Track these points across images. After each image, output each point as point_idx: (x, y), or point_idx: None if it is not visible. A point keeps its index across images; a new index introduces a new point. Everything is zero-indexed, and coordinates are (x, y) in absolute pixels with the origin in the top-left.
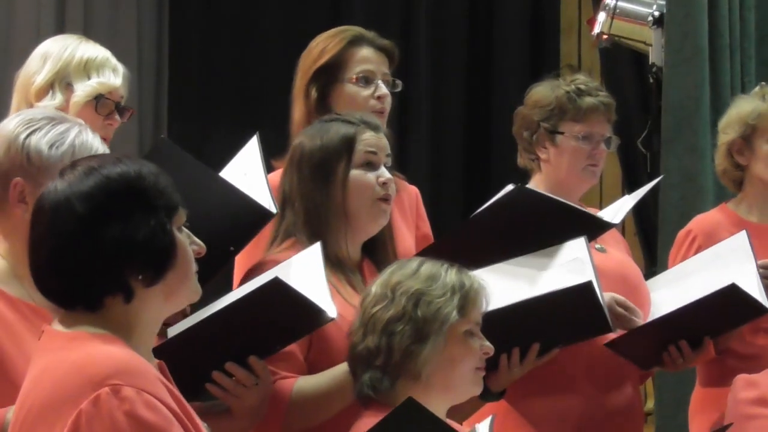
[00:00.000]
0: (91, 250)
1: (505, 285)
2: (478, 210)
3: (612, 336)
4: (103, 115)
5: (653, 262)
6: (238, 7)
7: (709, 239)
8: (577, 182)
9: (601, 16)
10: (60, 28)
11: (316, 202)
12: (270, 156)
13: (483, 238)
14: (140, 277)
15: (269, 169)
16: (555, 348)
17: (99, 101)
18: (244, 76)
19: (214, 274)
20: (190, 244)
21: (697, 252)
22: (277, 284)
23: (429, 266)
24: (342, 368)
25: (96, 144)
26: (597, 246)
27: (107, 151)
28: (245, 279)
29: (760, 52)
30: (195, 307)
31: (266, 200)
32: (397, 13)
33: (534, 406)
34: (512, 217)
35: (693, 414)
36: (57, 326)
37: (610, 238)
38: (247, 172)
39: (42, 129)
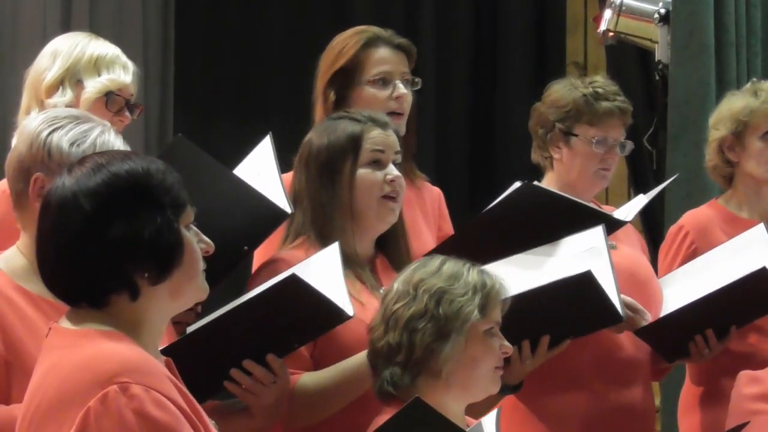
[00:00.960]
0: (96, 248)
1: (516, 276)
2: (488, 207)
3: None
4: (113, 111)
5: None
6: (244, 4)
7: (702, 235)
8: (587, 185)
9: (607, 14)
10: (65, 25)
11: (322, 202)
12: (278, 154)
13: (494, 235)
14: (146, 275)
15: (288, 166)
16: (566, 339)
17: (109, 98)
18: (249, 73)
19: (227, 273)
20: (198, 242)
21: (689, 247)
22: (293, 281)
23: (451, 265)
24: (344, 365)
25: (118, 144)
26: (608, 243)
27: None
28: (255, 276)
29: (766, 49)
30: (211, 306)
31: (281, 200)
32: (402, 11)
33: (541, 401)
34: (522, 214)
35: (683, 412)
36: (64, 323)
37: (623, 234)
38: (261, 172)
39: (65, 127)
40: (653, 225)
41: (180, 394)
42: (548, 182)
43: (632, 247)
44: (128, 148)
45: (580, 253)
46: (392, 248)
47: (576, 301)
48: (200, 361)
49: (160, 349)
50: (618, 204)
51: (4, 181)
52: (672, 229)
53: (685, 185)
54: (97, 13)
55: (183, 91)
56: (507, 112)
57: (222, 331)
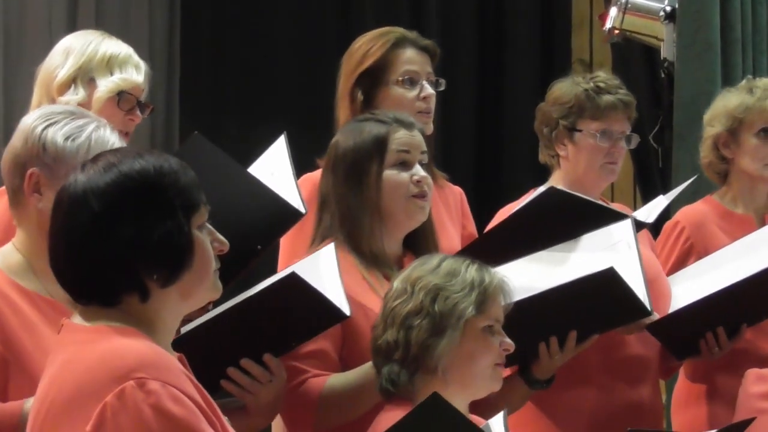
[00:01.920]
0: (103, 248)
1: (542, 272)
2: (513, 211)
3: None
4: (124, 110)
5: None
6: (250, 3)
7: (697, 230)
8: (595, 179)
9: (613, 12)
10: (72, 23)
11: (350, 204)
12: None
13: (519, 239)
14: (155, 278)
15: (309, 166)
16: (594, 334)
17: (121, 97)
18: (255, 70)
19: (240, 272)
20: (212, 241)
21: (685, 243)
22: (293, 279)
23: (450, 262)
24: (372, 365)
25: (113, 140)
26: (636, 237)
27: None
28: None
29: None
30: (215, 304)
31: (295, 200)
32: (408, 10)
33: (550, 399)
34: (548, 218)
35: (677, 407)
36: (77, 320)
37: None
38: (275, 172)
39: (60, 122)
40: (660, 223)
41: (196, 389)
42: (556, 181)
43: (641, 244)
44: (124, 145)
45: (609, 247)
46: (421, 247)
47: (602, 297)
48: (197, 360)
49: None
50: (624, 202)
51: None
52: (667, 225)
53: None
54: (103, 10)
55: (189, 90)
56: (513, 111)
57: (220, 329)
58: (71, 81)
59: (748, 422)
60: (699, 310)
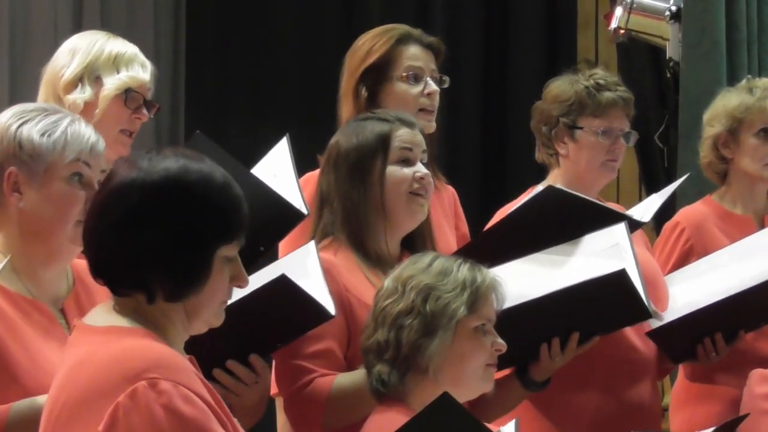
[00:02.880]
0: (125, 242)
1: (542, 274)
2: (511, 210)
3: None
4: (131, 108)
5: None
6: (255, 3)
7: (697, 231)
8: (595, 177)
9: (618, 11)
10: (77, 23)
11: (354, 201)
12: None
13: (517, 238)
14: (161, 288)
15: (300, 165)
16: (595, 336)
17: (128, 95)
18: (260, 70)
19: None
20: (233, 279)
21: (685, 244)
22: (283, 282)
23: (442, 261)
24: None
25: (89, 133)
26: (631, 240)
27: (101, 140)
28: None
29: None
30: None
31: (297, 201)
32: (413, 9)
33: (550, 400)
34: (544, 217)
35: (675, 407)
36: (89, 320)
37: None
38: (277, 173)
39: (34, 119)
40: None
41: (207, 390)
42: (555, 179)
43: (636, 244)
44: (101, 138)
45: (605, 250)
46: (418, 248)
47: (608, 299)
48: None
49: None
50: (629, 202)
51: None
52: (667, 226)
53: (696, 183)
54: (108, 10)
55: (194, 90)
56: (518, 110)
57: (206, 331)
58: (78, 80)
59: (741, 419)
60: (698, 318)
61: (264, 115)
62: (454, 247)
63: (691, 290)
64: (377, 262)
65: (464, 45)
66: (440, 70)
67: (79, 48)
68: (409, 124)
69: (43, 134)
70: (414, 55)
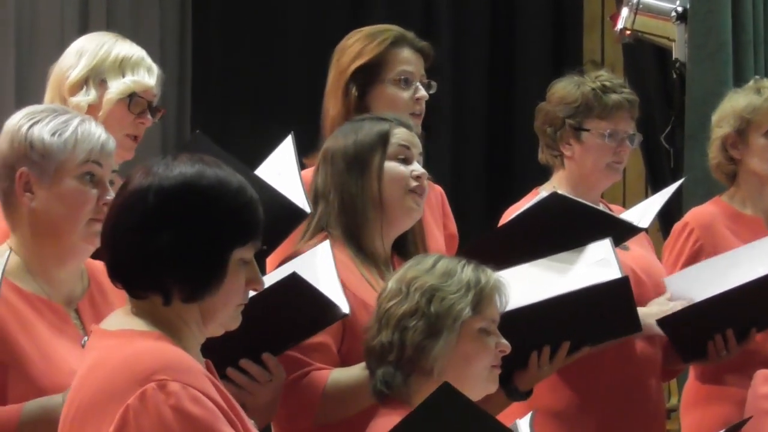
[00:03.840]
0: (141, 243)
1: (534, 283)
2: (514, 215)
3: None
4: (135, 113)
5: None
6: (261, 2)
7: (706, 231)
8: (600, 179)
9: (625, 12)
10: (83, 24)
11: (351, 193)
12: (298, 151)
13: (517, 242)
14: (177, 289)
15: (301, 167)
16: (584, 347)
17: (132, 99)
18: (266, 71)
19: None
20: (248, 282)
21: (695, 244)
22: (294, 280)
23: (446, 262)
24: None
25: (99, 132)
26: (616, 256)
27: (111, 140)
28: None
29: None
30: None
31: (301, 200)
32: (419, 10)
33: (556, 399)
34: (546, 222)
35: (686, 408)
36: (105, 325)
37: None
38: (281, 172)
39: (44, 120)
40: (671, 224)
41: (219, 393)
42: (559, 180)
43: (642, 247)
44: (111, 138)
45: (593, 264)
46: (409, 249)
47: (604, 307)
48: None
49: None
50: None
51: None
52: (677, 226)
53: (703, 184)
54: (114, 11)
55: (200, 90)
56: (524, 112)
57: None
58: (83, 82)
59: (744, 422)
60: (710, 308)
61: (270, 116)
62: (443, 247)
63: (698, 289)
64: (370, 258)
65: (470, 45)
66: (446, 71)
67: (86, 50)
68: (407, 125)
69: (53, 134)
70: (407, 59)
